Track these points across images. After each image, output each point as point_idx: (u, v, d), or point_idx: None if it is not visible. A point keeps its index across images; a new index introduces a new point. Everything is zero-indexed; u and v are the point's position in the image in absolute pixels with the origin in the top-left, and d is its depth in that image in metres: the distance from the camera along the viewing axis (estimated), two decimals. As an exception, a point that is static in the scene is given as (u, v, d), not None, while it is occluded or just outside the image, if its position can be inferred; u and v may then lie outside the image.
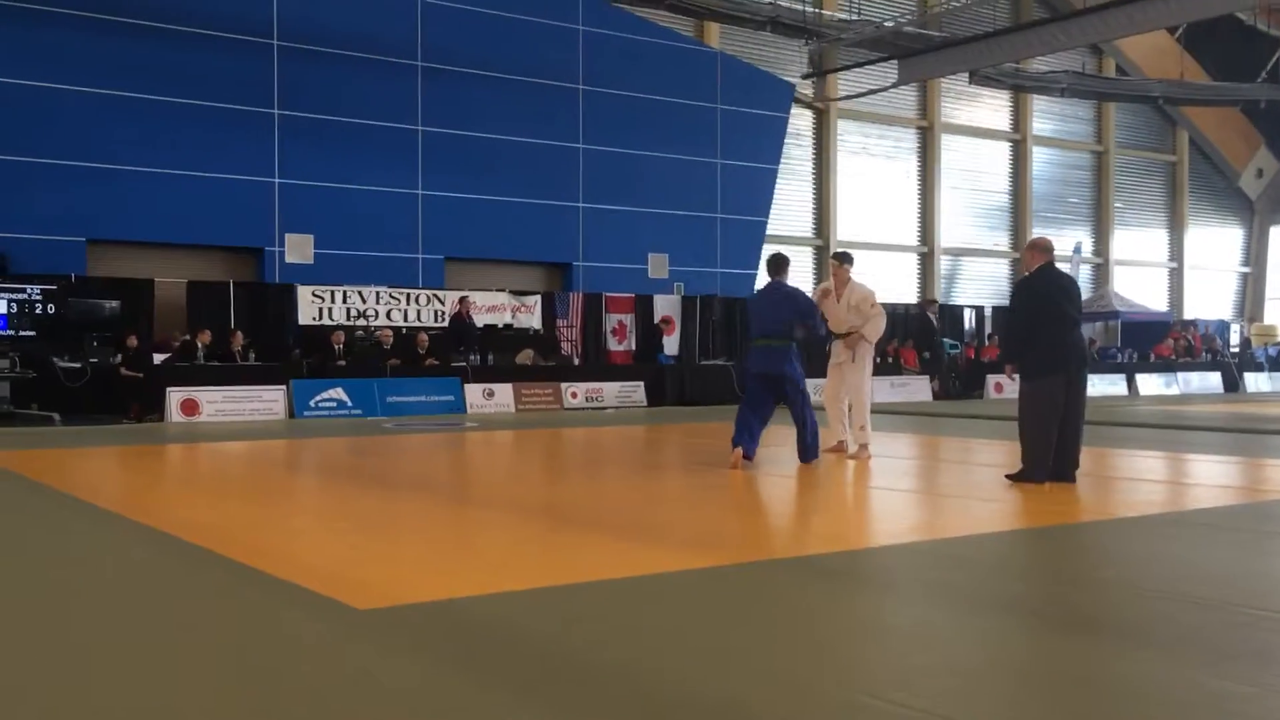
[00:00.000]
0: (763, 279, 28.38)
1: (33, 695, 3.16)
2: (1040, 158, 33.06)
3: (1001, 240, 32.22)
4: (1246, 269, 38.81)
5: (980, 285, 31.85)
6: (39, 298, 16.45)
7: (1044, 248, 8.11)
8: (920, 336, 24.20)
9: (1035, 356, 7.84)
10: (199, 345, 17.26)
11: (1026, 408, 7.92)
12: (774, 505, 7.81)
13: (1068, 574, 5.09)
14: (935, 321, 24.41)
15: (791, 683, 3.25)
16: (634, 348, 22.35)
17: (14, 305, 16.23)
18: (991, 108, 32.00)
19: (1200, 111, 35.03)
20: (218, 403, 16.50)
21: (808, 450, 9.36)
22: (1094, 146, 34.54)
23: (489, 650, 3.63)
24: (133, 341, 16.96)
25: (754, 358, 9.54)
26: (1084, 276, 33.10)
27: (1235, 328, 35.67)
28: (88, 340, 16.96)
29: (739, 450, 9.19)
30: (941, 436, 13.36)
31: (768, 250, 26.48)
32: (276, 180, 20.36)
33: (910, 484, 9.02)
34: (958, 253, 31.44)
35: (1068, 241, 32.70)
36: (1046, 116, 33.16)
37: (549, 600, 4.39)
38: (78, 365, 16.59)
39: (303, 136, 20.48)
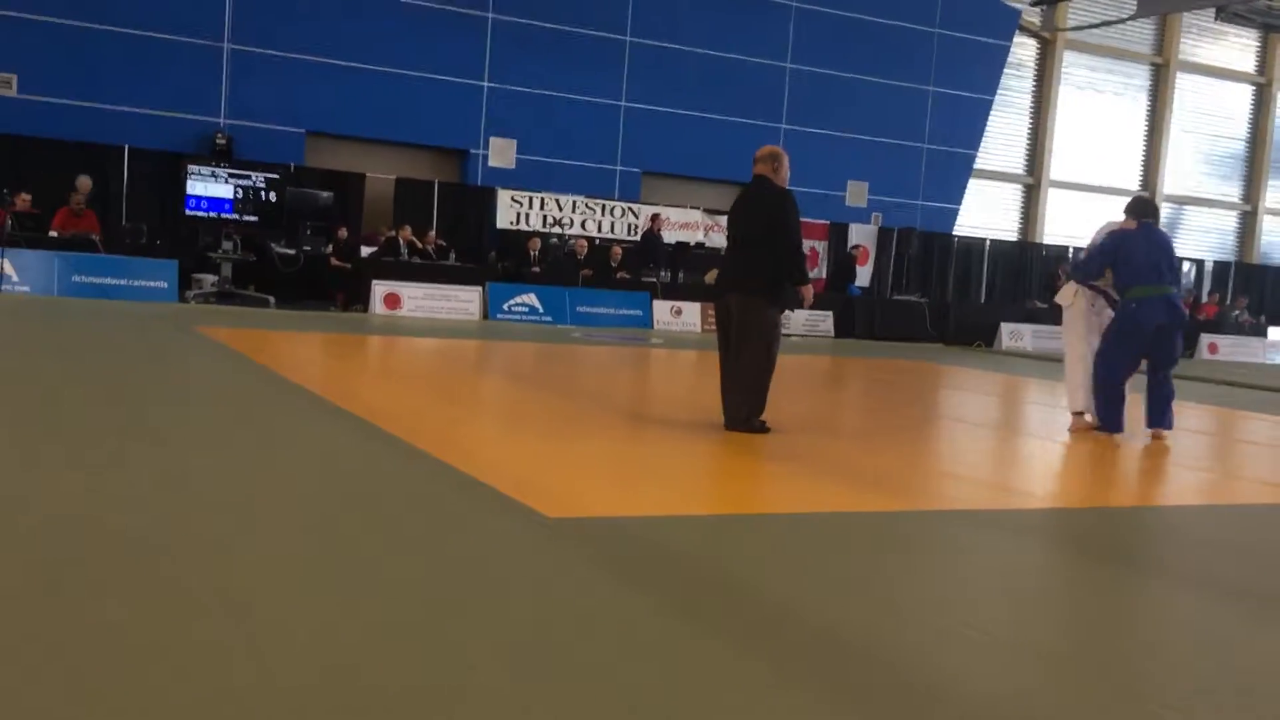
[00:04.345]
0: (978, 215, 27.25)
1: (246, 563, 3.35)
2: (1286, 104, 30.49)
3: (1232, 191, 30.04)
4: None
5: (1203, 237, 29.85)
6: (262, 185, 17.32)
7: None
8: None
9: None
10: (402, 241, 17.89)
11: None
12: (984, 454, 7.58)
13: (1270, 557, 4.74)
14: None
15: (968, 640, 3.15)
16: (824, 276, 21.98)
17: (239, 191, 17.15)
18: (1236, 48, 29.59)
19: None
20: (418, 299, 17.13)
21: (1169, 417, 8.14)
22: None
23: (664, 572, 3.65)
24: (342, 233, 17.73)
25: (1155, 307, 7.90)
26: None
27: None
28: (303, 229, 17.82)
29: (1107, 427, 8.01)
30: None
31: (975, 185, 25.67)
32: (485, 84, 20.72)
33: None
34: (1182, 201, 29.49)
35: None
36: (1298, 59, 30.45)
37: (728, 528, 4.38)
38: (292, 252, 17.47)
39: (513, 41, 20.73)
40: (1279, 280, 28.01)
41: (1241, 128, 30.18)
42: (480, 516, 4.23)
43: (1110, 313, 8.33)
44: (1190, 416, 10.59)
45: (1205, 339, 23.01)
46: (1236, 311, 25.23)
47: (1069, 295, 8.54)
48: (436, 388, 8.76)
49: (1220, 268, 27.93)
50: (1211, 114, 29.62)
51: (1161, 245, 8.13)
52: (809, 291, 6.88)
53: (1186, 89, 29.04)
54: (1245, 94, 30.15)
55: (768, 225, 6.71)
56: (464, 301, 17.45)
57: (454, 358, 11.70)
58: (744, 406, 6.73)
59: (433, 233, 18.74)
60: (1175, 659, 3.21)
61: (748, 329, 6.72)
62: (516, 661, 2.68)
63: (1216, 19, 26.14)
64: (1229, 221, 30.30)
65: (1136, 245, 8.00)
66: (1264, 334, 24.39)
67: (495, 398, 8.77)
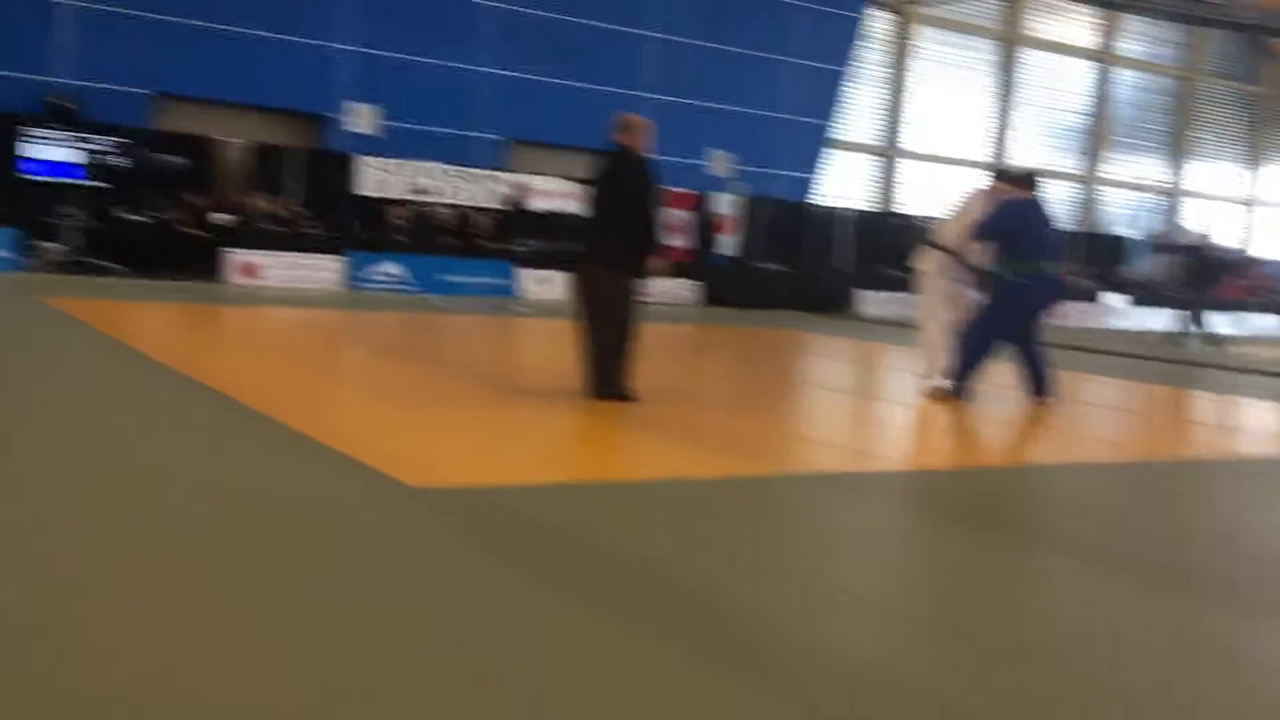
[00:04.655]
0: (835, 185, 27.77)
1: (93, 556, 3.29)
2: (1123, 80, 31.97)
3: (1075, 163, 31.41)
4: (1324, 211, 37.61)
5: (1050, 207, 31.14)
6: (111, 149, 16.56)
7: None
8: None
9: None
10: (258, 209, 17.40)
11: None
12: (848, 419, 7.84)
13: (1114, 513, 5.09)
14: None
15: (826, 595, 3.31)
16: (689, 245, 22.22)
17: (89, 156, 16.36)
18: (1078, 24, 30.87)
19: (1296, 43, 33.58)
20: (276, 268, 16.72)
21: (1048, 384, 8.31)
22: (1180, 72, 33.33)
23: (529, 540, 3.72)
24: (197, 200, 17.14)
25: (1047, 285, 8.06)
26: (1156, 208, 32.30)
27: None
28: (156, 196, 17.16)
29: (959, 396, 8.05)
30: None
31: (833, 155, 26.24)
32: (346, 47, 20.21)
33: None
34: (1029, 172, 30.69)
35: (1142, 170, 31.84)
36: (1135, 38, 31.95)
37: (594, 495, 4.48)
38: (144, 220, 16.82)
39: (374, 3, 20.26)
40: (1118, 249, 29.43)
41: (1082, 101, 31.55)
42: (340, 487, 4.22)
43: (968, 282, 8.35)
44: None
45: (1048, 305, 24.10)
46: (1079, 279, 26.47)
47: (928, 261, 8.54)
48: (296, 359, 8.61)
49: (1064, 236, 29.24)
50: (1055, 89, 30.87)
51: (1050, 221, 8.30)
52: (663, 261, 6.91)
53: (1032, 64, 30.20)
54: (1086, 69, 31.50)
55: (627, 194, 6.73)
56: (325, 270, 17.11)
57: (315, 328, 11.49)
58: (609, 375, 6.79)
59: (292, 200, 18.27)
60: (1034, 616, 3.43)
61: (610, 299, 6.77)
62: (378, 633, 2.72)
63: (1060, -4, 27.23)
64: (1072, 192, 31.73)
65: (1034, 219, 8.08)
66: (1102, 299, 25.68)
67: (358, 368, 8.67)
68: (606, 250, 6.76)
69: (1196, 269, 18.80)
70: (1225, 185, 35.12)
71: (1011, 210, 8.01)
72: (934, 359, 8.39)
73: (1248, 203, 35.54)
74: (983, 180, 8.59)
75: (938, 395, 8.18)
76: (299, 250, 17.05)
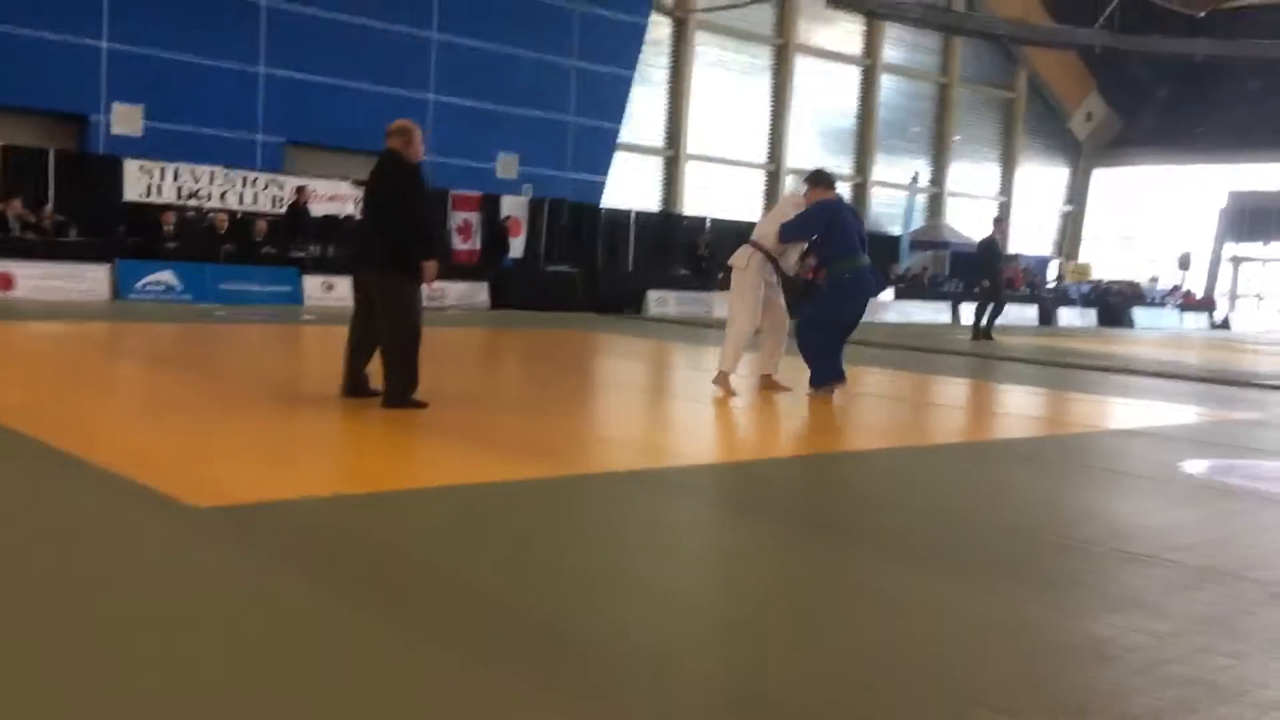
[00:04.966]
0: (623, 187, 28.21)
1: None
2: (887, 85, 33.78)
3: (845, 164, 32.95)
4: (1069, 208, 40.87)
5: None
6: None
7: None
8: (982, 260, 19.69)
9: None
10: (11, 216, 16.25)
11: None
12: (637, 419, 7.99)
13: (875, 498, 5.42)
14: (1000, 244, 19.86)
15: (612, 594, 3.42)
16: (479, 248, 22.12)
17: None
18: (845, 32, 32.43)
19: (1040, 52, 36.36)
20: (35, 279, 15.65)
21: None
22: (939, 78, 35.49)
23: (328, 555, 3.67)
24: (-61, 208, 15.86)
25: (865, 278, 8.50)
26: (919, 205, 34.25)
27: (1053, 264, 37.69)
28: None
29: (836, 384, 8.50)
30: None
31: (620, 158, 26.64)
32: (105, 44, 19.11)
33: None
34: (804, 173, 32.01)
35: (907, 171, 33.73)
36: (896, 45, 33.82)
37: (388, 504, 4.44)
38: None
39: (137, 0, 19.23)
40: (887, 246, 31.03)
41: (852, 106, 33.15)
42: (118, 512, 4.04)
43: (776, 281, 8.63)
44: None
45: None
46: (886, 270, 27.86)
47: (744, 259, 8.69)
48: (62, 375, 8.11)
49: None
50: (826, 93, 32.33)
51: (857, 217, 8.76)
52: (434, 266, 6.94)
53: (804, 70, 31.52)
54: (854, 76, 33.12)
55: (398, 199, 6.75)
56: (90, 281, 16.13)
57: (82, 342, 10.84)
58: (396, 383, 6.75)
59: (49, 206, 17.13)
60: (805, 593, 3.63)
61: (388, 305, 6.76)
62: (162, 661, 2.64)
63: (828, 5, 28.49)
64: (843, 192, 33.26)
65: (843, 217, 8.48)
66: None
67: (132, 383, 8.25)
68: (379, 255, 6.76)
69: (982, 265, 19.19)
70: (983, 185, 37.63)
71: (823, 212, 8.39)
72: (733, 355, 8.55)
73: (1001, 201, 38.19)
74: (796, 184, 8.89)
75: (728, 388, 8.43)
76: (60, 259, 16.00)
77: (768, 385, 8.76)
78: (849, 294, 8.46)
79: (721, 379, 8.52)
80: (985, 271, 19.07)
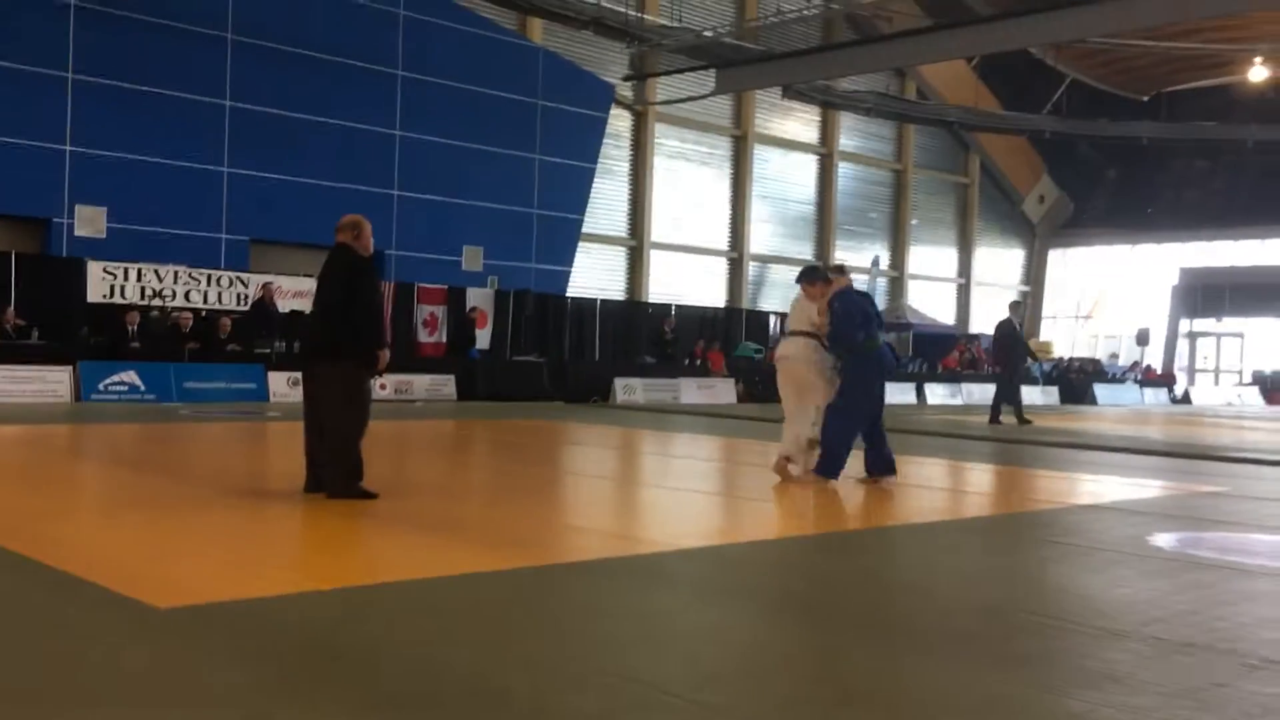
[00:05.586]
0: (588, 277, 28.41)
1: None
2: (844, 172, 34.48)
3: (806, 250, 33.43)
4: (1026, 288, 41.58)
5: (786, 291, 32.95)
6: None
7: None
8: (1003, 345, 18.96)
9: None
10: (-27, 320, 16.12)
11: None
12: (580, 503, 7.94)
13: (851, 578, 5.40)
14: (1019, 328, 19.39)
15: (584, 683, 3.37)
16: (445, 340, 22.14)
17: None
18: (802, 121, 33.17)
19: (991, 138, 37.33)
20: (-6, 382, 15.45)
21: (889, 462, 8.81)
22: (894, 165, 36.28)
23: (292, 653, 3.61)
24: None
25: (887, 356, 8.82)
26: (880, 288, 34.74)
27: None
28: None
29: (886, 476, 8.59)
30: (742, 439, 13.82)
31: (583, 248, 26.91)
32: (68, 148, 19.20)
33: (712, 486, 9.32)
34: (766, 259, 32.47)
35: (867, 255, 34.27)
36: (852, 133, 34.61)
37: (354, 600, 4.37)
38: None
39: (99, 103, 19.39)
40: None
41: (810, 193, 33.77)
42: (81, 616, 3.95)
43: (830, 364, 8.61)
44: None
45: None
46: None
47: (793, 348, 8.66)
48: (22, 478, 7.98)
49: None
50: (784, 181, 32.95)
51: (873, 301, 8.98)
52: (385, 356, 6.99)
53: (763, 159, 32.14)
54: (811, 163, 33.80)
55: (348, 291, 6.82)
56: (52, 383, 15.95)
57: (42, 445, 10.69)
58: (341, 474, 6.73)
59: (10, 309, 17.00)
60: (779, 675, 3.59)
61: (336, 396, 6.78)
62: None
63: (784, 96, 29.19)
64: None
65: (864, 301, 8.68)
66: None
67: (94, 485, 8.13)
68: (329, 347, 6.82)
69: (999, 349, 18.53)
70: (942, 267, 38.26)
71: (852, 296, 8.57)
72: (799, 444, 8.53)
73: (960, 282, 38.81)
74: (827, 274, 8.93)
75: (806, 481, 8.46)
76: (21, 362, 15.84)
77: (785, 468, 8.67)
78: (872, 373, 8.60)
79: (800, 472, 8.58)
80: (1003, 356, 18.59)
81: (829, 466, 8.47)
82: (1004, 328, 18.56)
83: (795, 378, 8.63)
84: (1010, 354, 18.38)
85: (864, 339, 8.44)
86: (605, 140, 27.09)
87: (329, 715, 2.96)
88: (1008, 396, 18.29)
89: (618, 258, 29.23)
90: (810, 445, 8.57)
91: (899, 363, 9.07)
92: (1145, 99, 37.24)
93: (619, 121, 28.53)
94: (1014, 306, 19.74)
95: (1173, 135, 35.79)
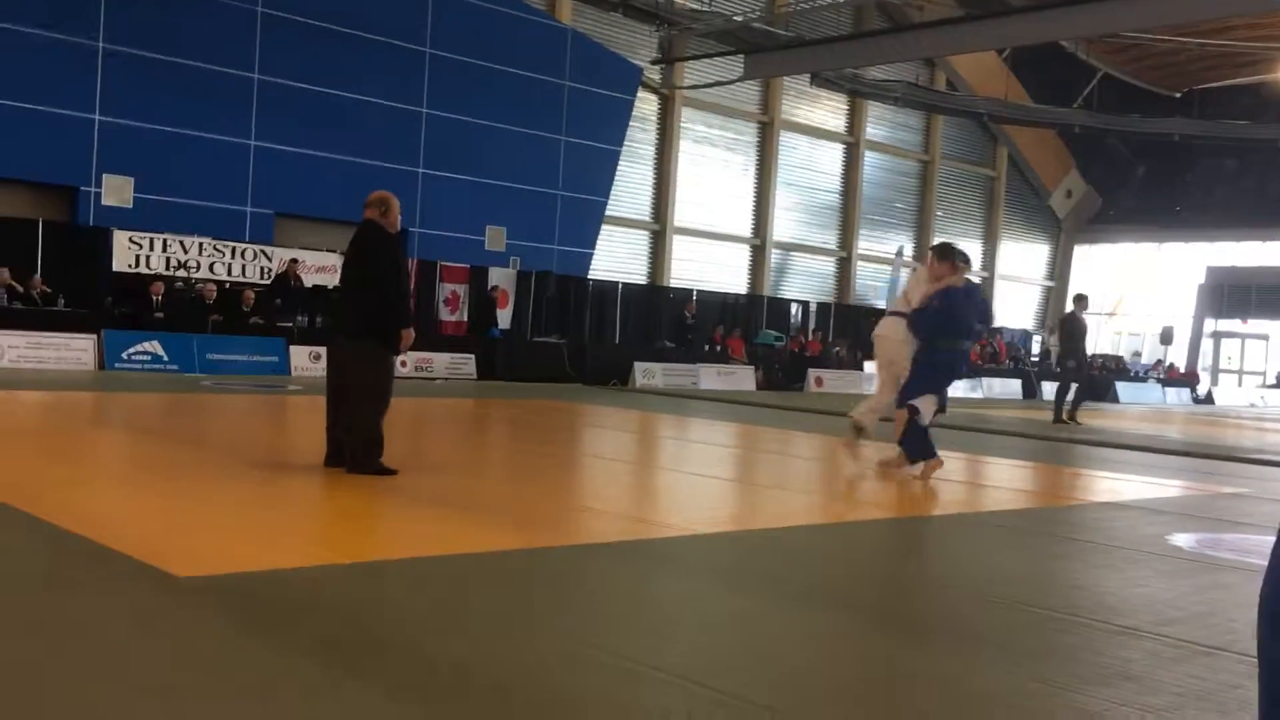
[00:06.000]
0: (610, 260, 28.33)
1: None
2: (871, 162, 34.28)
3: (830, 239, 33.31)
4: (1050, 283, 41.30)
5: (807, 280, 32.87)
6: None
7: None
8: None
9: None
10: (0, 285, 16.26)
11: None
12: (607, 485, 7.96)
13: (867, 569, 5.40)
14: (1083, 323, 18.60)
15: (582, 662, 3.38)
16: (466, 319, 22.19)
17: None
18: (829, 110, 32.97)
19: (1020, 131, 37.01)
20: (20, 348, 15.61)
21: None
22: (921, 155, 36.05)
23: (301, 624, 3.63)
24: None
25: (958, 359, 8.85)
26: (902, 279, 34.53)
27: (1036, 338, 37.98)
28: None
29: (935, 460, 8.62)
30: (765, 426, 13.80)
31: (606, 231, 26.90)
32: (97, 117, 19.30)
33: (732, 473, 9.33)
34: (788, 247, 32.36)
35: (891, 246, 34.11)
36: (879, 123, 34.38)
37: (371, 574, 4.40)
38: None
39: (129, 74, 19.45)
40: (870, 319, 31.32)
41: (835, 182, 33.60)
42: (102, 583, 3.99)
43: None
44: (802, 445, 11.67)
45: (812, 373, 25.30)
46: (837, 348, 27.96)
47: (892, 328, 9.04)
48: (46, 446, 8.06)
49: (822, 308, 30.86)
50: (810, 169, 32.78)
51: (975, 303, 8.94)
52: (409, 335, 7.00)
53: (788, 146, 31.99)
54: (837, 152, 33.62)
55: (374, 268, 6.84)
56: (76, 350, 16.08)
57: (66, 412, 10.79)
58: (362, 450, 6.77)
59: (38, 276, 17.14)
60: (783, 661, 3.60)
61: (360, 372, 6.81)
62: (150, 727, 2.60)
63: (812, 84, 29.01)
64: (829, 266, 33.59)
65: (965, 304, 8.63)
66: (860, 368, 27.17)
67: (116, 454, 8.20)
68: (353, 323, 6.85)
69: (1065, 344, 18.23)
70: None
71: (949, 298, 8.53)
72: (877, 411, 9.01)
73: (984, 276, 38.58)
74: (927, 258, 9.07)
75: (892, 463, 8.70)
76: (46, 329, 15.98)
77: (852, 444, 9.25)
78: (941, 369, 8.69)
79: (886, 455, 8.90)
80: (1069, 351, 18.17)
81: (914, 449, 8.56)
82: (1074, 322, 18.07)
83: (887, 354, 9.07)
84: (1079, 346, 17.94)
85: (940, 339, 8.53)
86: (631, 123, 27.01)
87: (344, 685, 2.98)
88: (1082, 391, 17.89)
89: (640, 241, 29.18)
90: (888, 418, 8.83)
91: (966, 369, 9.14)
92: (1178, 95, 36.83)
93: (645, 105, 28.43)
94: (1079, 300, 19.25)
95: (1205, 133, 35.37)
